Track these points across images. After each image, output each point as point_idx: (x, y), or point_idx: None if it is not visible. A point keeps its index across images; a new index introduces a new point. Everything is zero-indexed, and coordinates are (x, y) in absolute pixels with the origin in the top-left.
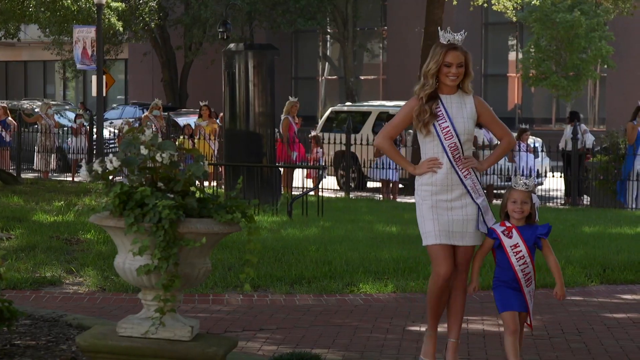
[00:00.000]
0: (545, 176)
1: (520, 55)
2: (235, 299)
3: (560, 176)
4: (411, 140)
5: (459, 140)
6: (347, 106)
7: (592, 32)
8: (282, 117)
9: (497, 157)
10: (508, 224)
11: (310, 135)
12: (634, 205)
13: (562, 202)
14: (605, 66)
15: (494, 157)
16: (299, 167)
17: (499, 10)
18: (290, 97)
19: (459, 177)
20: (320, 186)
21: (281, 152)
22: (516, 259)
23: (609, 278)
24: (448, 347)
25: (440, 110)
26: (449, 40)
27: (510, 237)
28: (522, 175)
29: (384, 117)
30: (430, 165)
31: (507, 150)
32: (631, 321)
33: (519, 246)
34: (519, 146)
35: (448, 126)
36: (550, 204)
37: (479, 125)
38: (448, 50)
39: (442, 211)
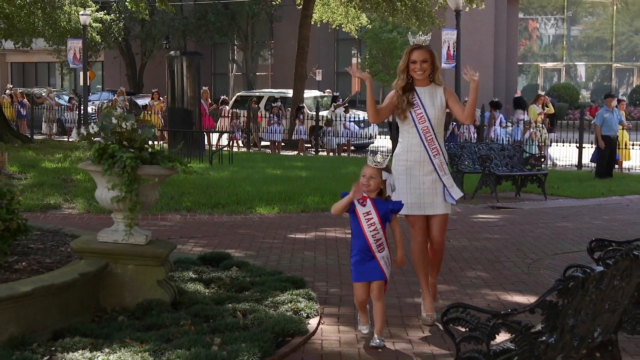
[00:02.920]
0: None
1: (359, 60)
2: (175, 217)
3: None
4: (289, 115)
5: (431, 124)
6: (248, 92)
7: (405, 45)
8: None
9: (474, 100)
10: (364, 194)
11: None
12: None
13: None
14: None
15: (471, 100)
16: (216, 132)
17: (346, 30)
18: (203, 87)
19: (429, 155)
20: (235, 144)
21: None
22: (367, 225)
23: None
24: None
25: (416, 100)
26: (414, 42)
27: (364, 206)
28: (377, 152)
29: (272, 99)
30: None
31: (476, 98)
32: None
33: (370, 214)
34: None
35: (422, 112)
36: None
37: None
38: (413, 50)
39: (415, 184)
